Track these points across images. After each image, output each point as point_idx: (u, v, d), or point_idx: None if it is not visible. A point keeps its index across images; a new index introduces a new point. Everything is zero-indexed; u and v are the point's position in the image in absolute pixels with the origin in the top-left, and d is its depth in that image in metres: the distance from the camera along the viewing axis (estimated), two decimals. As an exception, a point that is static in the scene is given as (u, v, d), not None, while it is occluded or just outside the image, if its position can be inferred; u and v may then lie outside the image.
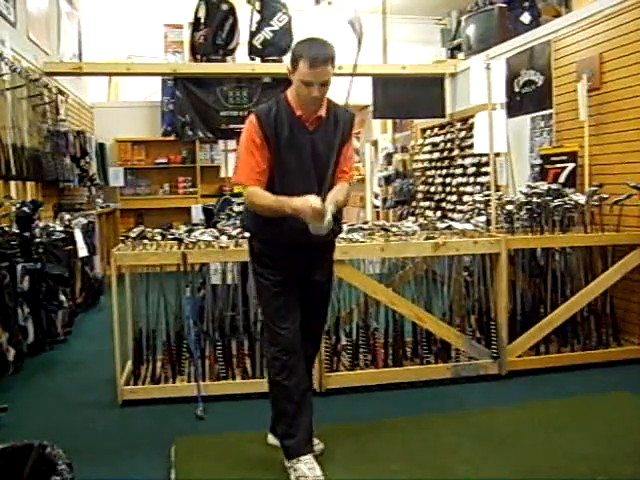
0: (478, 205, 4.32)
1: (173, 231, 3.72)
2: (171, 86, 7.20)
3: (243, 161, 2.52)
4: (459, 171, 6.51)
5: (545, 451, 2.75)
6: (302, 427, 2.55)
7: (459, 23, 7.29)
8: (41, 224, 4.83)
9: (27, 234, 4.39)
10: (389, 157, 8.42)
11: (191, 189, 8.86)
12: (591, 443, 2.81)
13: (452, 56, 7.58)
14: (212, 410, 3.29)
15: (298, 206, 2.36)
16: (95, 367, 4.04)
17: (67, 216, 5.64)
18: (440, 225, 3.92)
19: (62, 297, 4.76)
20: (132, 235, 3.60)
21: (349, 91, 2.43)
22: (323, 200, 2.35)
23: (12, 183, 4.75)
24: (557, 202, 4.00)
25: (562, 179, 4.62)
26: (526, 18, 5.92)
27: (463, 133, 6.45)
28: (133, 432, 3.10)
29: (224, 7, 6.34)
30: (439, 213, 6.56)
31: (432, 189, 7.19)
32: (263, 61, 6.35)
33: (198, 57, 6.42)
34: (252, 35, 6.32)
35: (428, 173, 7.34)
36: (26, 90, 4.85)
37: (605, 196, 4.04)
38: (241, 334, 3.66)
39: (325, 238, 2.47)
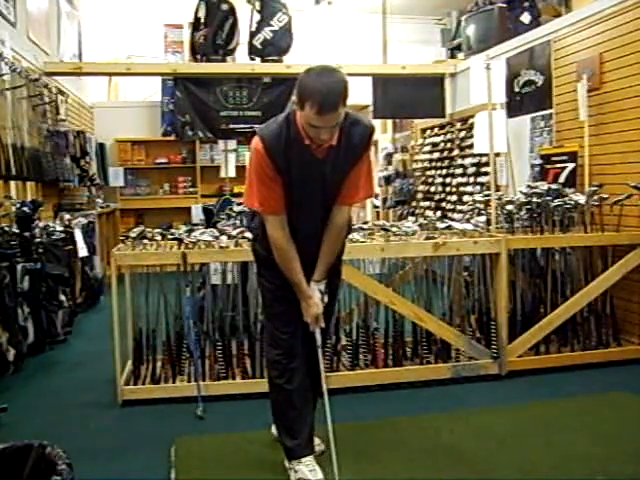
0: (478, 205, 4.32)
1: (173, 231, 3.72)
2: (171, 86, 7.20)
3: (257, 189, 2.38)
4: (459, 171, 6.51)
5: (545, 451, 2.75)
6: (304, 429, 2.54)
7: (459, 23, 7.29)
8: (41, 224, 4.83)
9: (27, 234, 4.38)
10: (389, 157, 8.42)
11: (191, 189, 8.86)
12: (591, 443, 2.81)
13: (452, 56, 7.58)
14: (212, 410, 3.29)
15: (305, 303, 2.45)
16: (95, 367, 4.04)
17: (67, 216, 5.64)
18: (440, 225, 3.92)
19: (62, 297, 4.76)
20: (132, 235, 3.60)
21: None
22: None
23: (12, 183, 4.75)
24: (557, 202, 4.00)
25: (562, 179, 4.63)
26: (526, 18, 5.92)
27: (463, 133, 6.45)
28: (133, 432, 3.10)
29: (224, 7, 6.34)
30: (439, 213, 6.56)
31: (432, 189, 7.19)
32: (263, 61, 6.35)
33: (198, 57, 6.42)
34: (252, 35, 6.32)
35: (428, 173, 7.34)
36: (26, 90, 4.85)
37: (605, 196, 4.04)
38: (241, 334, 3.66)
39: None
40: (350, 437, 2.85)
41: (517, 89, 5.35)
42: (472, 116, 5.95)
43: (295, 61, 6.32)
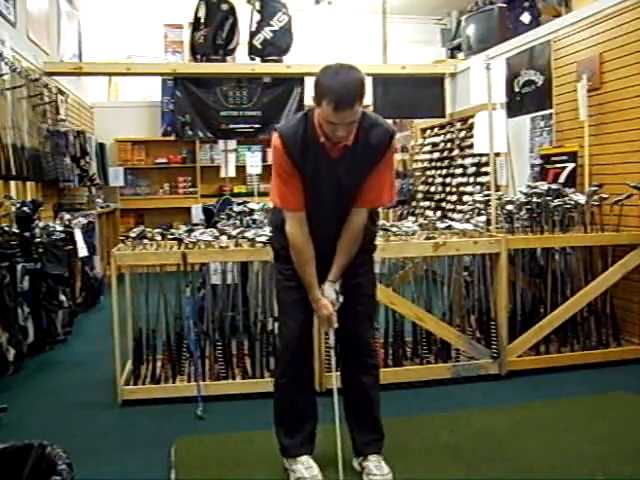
0: (478, 205, 4.32)
1: (173, 231, 3.72)
2: (171, 86, 7.20)
3: (277, 185, 2.40)
4: (459, 171, 6.51)
5: (545, 451, 2.75)
6: (303, 429, 2.54)
7: (459, 23, 7.29)
8: (41, 224, 4.83)
9: (27, 234, 4.38)
10: (389, 157, 8.41)
11: (191, 189, 8.85)
12: (591, 443, 2.81)
13: (452, 56, 7.58)
14: (212, 410, 3.29)
15: (315, 305, 2.43)
16: (95, 367, 4.04)
17: (67, 216, 5.63)
18: (440, 225, 3.91)
19: (62, 297, 4.76)
20: (132, 235, 3.60)
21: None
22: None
23: (12, 183, 4.75)
24: (557, 202, 4.00)
25: (562, 179, 4.63)
26: (526, 18, 5.92)
27: (463, 133, 6.45)
28: (133, 432, 3.10)
29: (224, 7, 6.34)
30: (439, 213, 6.56)
31: (432, 189, 7.19)
32: (263, 61, 6.36)
33: (198, 57, 6.42)
34: (252, 35, 6.32)
35: (428, 173, 7.34)
36: (26, 90, 4.85)
37: (605, 196, 4.04)
38: (241, 334, 3.66)
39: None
40: (350, 437, 2.84)
41: (517, 89, 5.35)
42: (472, 116, 5.95)
43: (295, 61, 6.32)
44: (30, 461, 1.58)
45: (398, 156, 8.14)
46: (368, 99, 6.59)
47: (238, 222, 4.11)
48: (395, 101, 6.57)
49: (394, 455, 2.62)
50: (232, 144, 7.49)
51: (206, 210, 5.50)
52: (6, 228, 4.27)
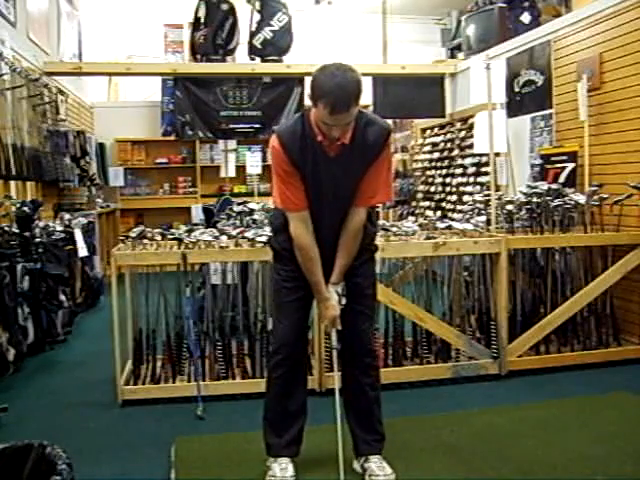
0: (478, 205, 4.32)
1: (173, 231, 3.72)
2: (171, 86, 7.20)
3: (277, 186, 2.40)
4: (459, 171, 6.51)
5: (545, 451, 2.75)
6: (290, 430, 2.54)
7: (459, 23, 7.29)
8: (41, 224, 4.83)
9: (27, 234, 4.38)
10: (389, 157, 8.42)
11: (191, 189, 8.85)
12: (591, 443, 2.81)
13: (452, 56, 7.58)
14: (212, 410, 3.29)
15: (322, 305, 2.44)
16: (95, 367, 4.04)
17: (67, 216, 5.63)
18: (440, 225, 3.92)
19: (62, 297, 4.76)
20: (132, 235, 3.60)
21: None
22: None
23: (12, 183, 4.75)
24: (557, 202, 4.00)
25: (562, 179, 4.63)
26: (526, 18, 5.92)
27: (463, 133, 6.45)
28: (133, 432, 3.10)
29: (224, 7, 6.34)
30: (439, 213, 6.56)
31: (432, 189, 7.19)
32: (263, 61, 6.35)
33: (198, 57, 6.42)
34: (252, 35, 6.32)
35: (428, 173, 7.34)
36: (26, 90, 4.85)
37: (605, 196, 4.04)
38: (241, 334, 3.67)
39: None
40: (349, 437, 2.84)
41: (517, 89, 5.35)
42: (472, 116, 5.95)
43: (295, 61, 6.32)
44: (30, 461, 1.58)
45: (398, 156, 8.15)
46: (368, 99, 6.60)
47: (238, 222, 4.11)
48: (395, 101, 6.56)
49: (394, 455, 2.61)
50: (232, 144, 7.49)
51: (206, 210, 5.50)
52: (6, 228, 4.26)
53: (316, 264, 2.41)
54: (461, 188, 6.45)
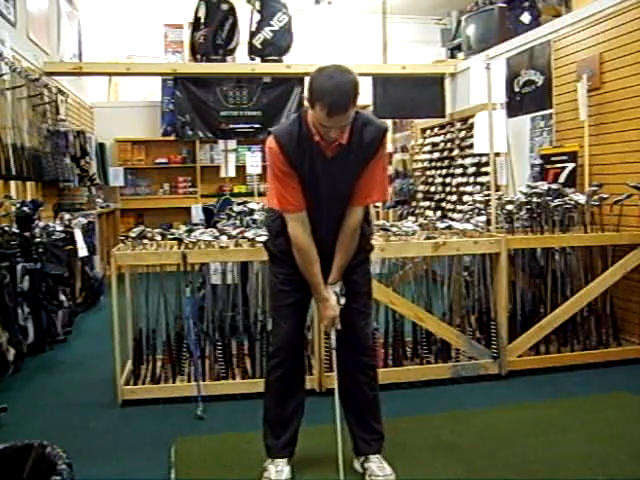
0: (478, 205, 4.32)
1: (173, 231, 3.72)
2: (171, 86, 7.20)
3: (274, 187, 2.41)
4: (459, 171, 6.51)
5: (545, 451, 2.75)
6: (287, 431, 2.54)
7: (459, 23, 7.30)
8: (41, 224, 4.83)
9: (27, 234, 4.39)
10: (389, 157, 8.43)
11: (191, 189, 8.86)
12: (591, 443, 2.81)
13: (452, 56, 7.59)
14: (212, 410, 3.29)
15: (322, 306, 2.44)
16: (95, 367, 4.04)
17: (67, 216, 5.64)
18: (440, 225, 3.92)
19: (62, 297, 4.77)
20: (132, 235, 3.60)
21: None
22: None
23: (12, 183, 4.75)
24: (557, 202, 4.00)
25: (562, 179, 4.63)
26: (526, 18, 5.92)
27: (463, 133, 6.45)
28: (133, 432, 3.10)
29: (224, 7, 6.34)
30: (439, 213, 6.56)
31: (432, 189, 7.19)
32: (263, 61, 6.35)
33: (198, 57, 6.42)
34: (252, 35, 6.32)
35: (428, 173, 7.33)
36: (26, 90, 4.85)
37: (605, 196, 4.04)
38: (241, 334, 3.67)
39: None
40: (349, 437, 2.85)
41: (517, 89, 5.35)
42: (472, 116, 5.95)
43: (295, 61, 6.32)
44: (30, 461, 1.58)
45: (398, 156, 8.14)
46: (368, 99, 6.60)
47: (238, 222, 4.11)
48: (395, 101, 6.56)
49: (394, 455, 2.62)
50: (232, 144, 7.49)
51: (206, 210, 5.50)
52: (6, 228, 4.26)
53: (315, 265, 2.41)
54: (461, 188, 6.45)
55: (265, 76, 6.48)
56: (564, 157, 4.67)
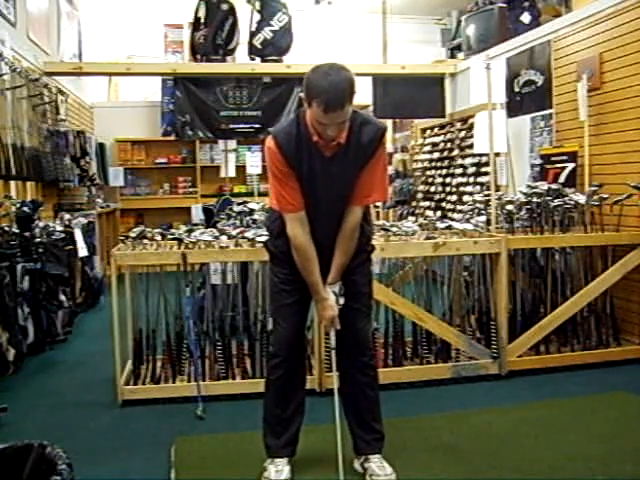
0: (478, 205, 4.32)
1: (173, 231, 3.72)
2: (171, 86, 7.20)
3: (273, 187, 2.41)
4: (459, 171, 6.51)
5: (545, 451, 2.75)
6: (287, 430, 2.54)
7: (459, 23, 7.29)
8: (41, 224, 4.82)
9: (27, 234, 4.38)
10: (389, 157, 8.43)
11: (191, 189, 8.85)
12: (591, 443, 2.81)
13: (452, 56, 7.58)
14: (212, 410, 3.29)
15: (321, 306, 2.45)
16: (95, 367, 4.05)
17: (67, 216, 5.63)
18: (440, 225, 3.92)
19: (62, 297, 4.76)
20: (132, 235, 3.60)
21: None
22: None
23: (12, 183, 4.75)
24: (557, 202, 4.00)
25: (562, 179, 4.63)
26: (526, 18, 5.92)
27: (463, 133, 6.45)
28: (133, 432, 3.10)
29: (224, 7, 6.34)
30: (439, 213, 6.56)
31: (432, 189, 7.19)
32: (263, 61, 6.36)
33: (198, 57, 6.42)
34: (252, 35, 6.32)
35: (428, 173, 7.33)
36: (26, 90, 4.84)
37: (605, 196, 4.04)
38: (241, 334, 3.67)
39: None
40: (349, 437, 2.84)
41: (517, 89, 5.35)
42: (472, 116, 5.95)
43: (295, 61, 6.32)
44: (30, 461, 1.58)
45: (398, 156, 8.14)
46: (368, 99, 6.61)
47: (238, 222, 4.11)
48: (395, 101, 6.56)
49: (394, 455, 2.62)
50: (232, 144, 7.49)
51: (206, 210, 5.50)
52: (6, 228, 4.26)
53: (314, 264, 2.41)
54: (461, 188, 6.45)
55: (265, 76, 6.49)
56: (564, 157, 4.67)
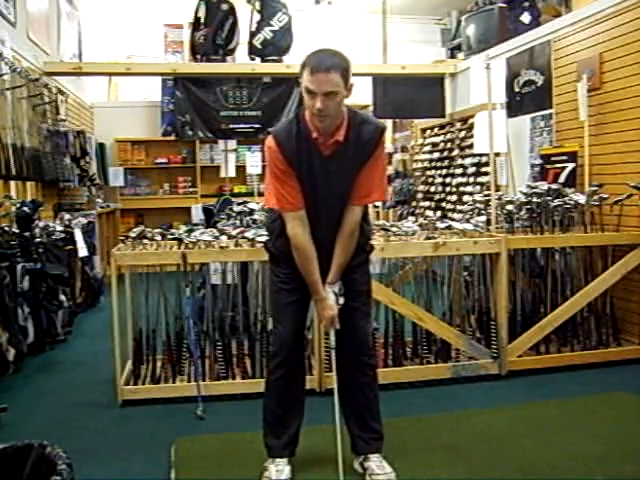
0: (478, 205, 4.32)
1: (173, 231, 3.72)
2: (171, 86, 7.20)
3: (273, 187, 2.40)
4: (459, 171, 6.51)
5: (545, 451, 2.75)
6: (288, 430, 2.55)
7: (459, 23, 7.29)
8: (41, 224, 4.83)
9: (27, 234, 4.38)
10: (389, 157, 8.42)
11: (191, 189, 8.85)
12: (591, 443, 2.81)
13: (452, 56, 7.58)
14: (212, 410, 3.29)
15: (320, 305, 2.44)
16: (95, 367, 4.05)
17: (67, 216, 5.64)
18: (440, 225, 3.92)
19: (62, 297, 4.76)
20: (132, 235, 3.60)
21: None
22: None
23: (12, 183, 4.75)
24: (557, 202, 4.00)
25: (562, 179, 4.63)
26: (526, 18, 5.92)
27: (463, 133, 6.45)
28: (133, 432, 3.10)
29: (224, 7, 6.34)
30: (439, 213, 6.56)
31: (432, 189, 7.19)
32: (263, 61, 6.35)
33: (198, 57, 6.42)
34: (252, 35, 6.32)
35: (428, 173, 7.33)
36: (26, 90, 4.85)
37: (605, 196, 4.04)
38: (241, 334, 3.66)
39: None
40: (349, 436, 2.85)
41: (517, 89, 5.35)
42: (472, 116, 5.95)
43: (295, 61, 6.30)
44: (30, 461, 1.58)
45: (398, 156, 8.14)
46: (368, 99, 6.61)
47: (238, 222, 4.11)
48: (395, 101, 6.56)
49: (394, 455, 2.62)
50: (232, 144, 7.49)
51: (206, 210, 5.50)
52: (6, 228, 4.26)
53: (313, 264, 2.42)
54: (461, 188, 6.45)
55: (265, 76, 6.49)
56: (564, 157, 4.67)
